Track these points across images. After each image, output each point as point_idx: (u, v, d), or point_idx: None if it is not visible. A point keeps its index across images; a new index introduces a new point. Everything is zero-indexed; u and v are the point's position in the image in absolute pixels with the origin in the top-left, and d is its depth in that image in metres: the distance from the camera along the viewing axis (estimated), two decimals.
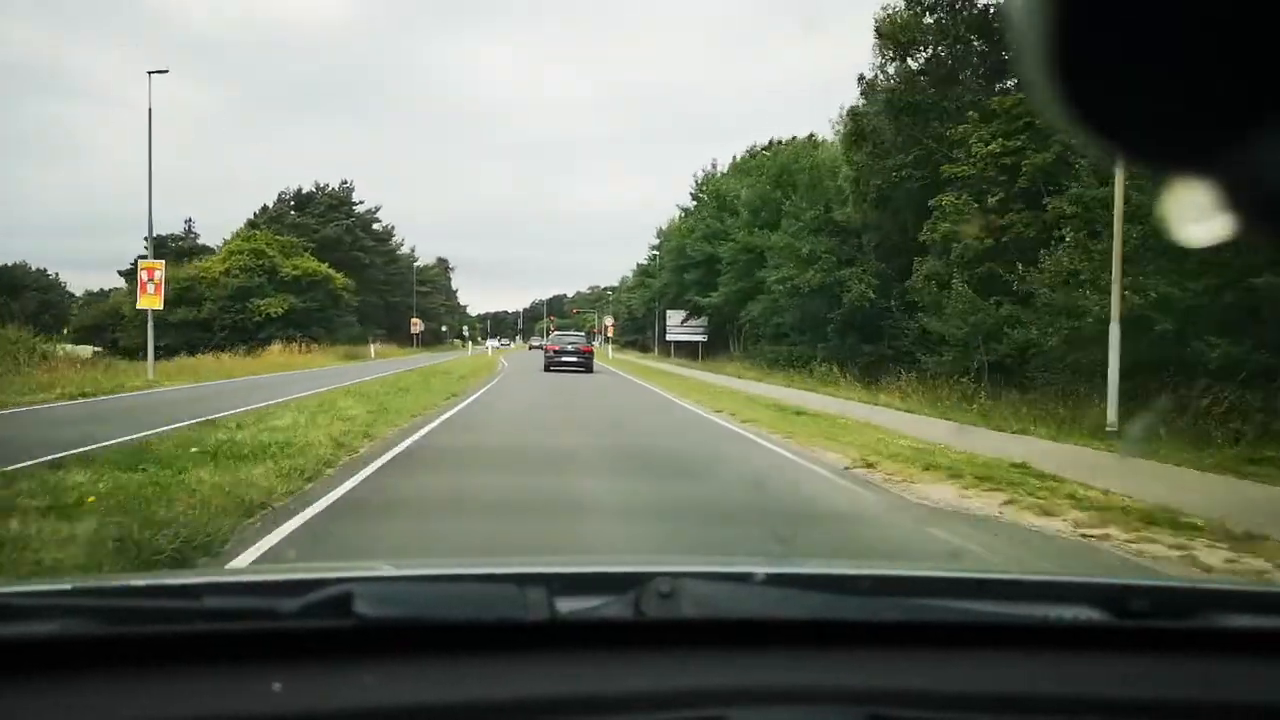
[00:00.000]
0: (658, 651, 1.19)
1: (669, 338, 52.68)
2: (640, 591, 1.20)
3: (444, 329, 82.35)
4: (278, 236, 55.07)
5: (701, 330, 48.44)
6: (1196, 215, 0.61)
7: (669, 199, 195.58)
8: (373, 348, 51.34)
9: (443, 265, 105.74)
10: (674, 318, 51.70)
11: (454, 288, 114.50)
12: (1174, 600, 1.52)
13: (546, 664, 1.16)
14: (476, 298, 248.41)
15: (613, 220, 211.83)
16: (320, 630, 1.16)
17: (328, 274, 53.02)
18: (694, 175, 54.21)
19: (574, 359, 32.04)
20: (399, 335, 65.53)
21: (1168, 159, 0.61)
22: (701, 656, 1.19)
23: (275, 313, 47.78)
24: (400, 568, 1.80)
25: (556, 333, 50.62)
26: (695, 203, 52.39)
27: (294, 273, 50.89)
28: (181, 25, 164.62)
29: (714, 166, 53.51)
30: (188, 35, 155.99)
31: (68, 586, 1.47)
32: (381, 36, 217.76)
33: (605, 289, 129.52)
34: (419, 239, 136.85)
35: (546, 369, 31.67)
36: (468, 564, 2.16)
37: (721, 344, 45.29)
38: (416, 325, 66.54)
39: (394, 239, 75.59)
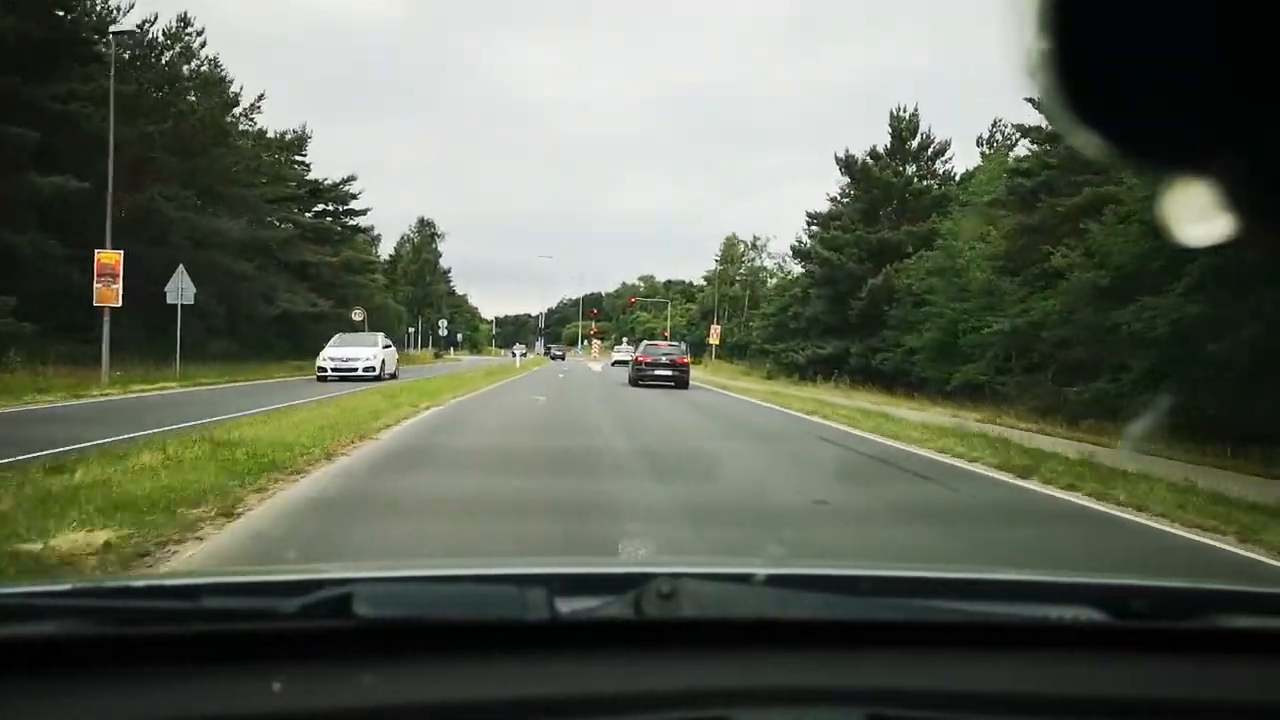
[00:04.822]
0: (658, 652, 1.19)
1: None
2: (640, 592, 1.20)
3: (357, 315, 38.73)
4: None
5: None
6: (1196, 215, 0.61)
7: (707, 210, 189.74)
8: None
9: (426, 228, 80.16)
10: None
11: (444, 266, 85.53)
12: (1174, 600, 1.51)
13: (546, 664, 1.16)
14: (499, 303, 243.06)
15: (647, 227, 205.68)
16: (320, 630, 1.16)
17: None
18: None
19: (667, 373, 27.10)
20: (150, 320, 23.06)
21: (1168, 159, 0.61)
22: (702, 657, 1.19)
23: None
24: (400, 568, 1.80)
25: (648, 342, 35.08)
26: None
27: None
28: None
29: None
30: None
31: (68, 586, 1.46)
32: (406, 34, 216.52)
33: (666, 282, 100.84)
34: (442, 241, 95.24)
35: (634, 383, 26.95)
36: (468, 564, 2.15)
37: None
38: (107, 291, 19.50)
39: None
